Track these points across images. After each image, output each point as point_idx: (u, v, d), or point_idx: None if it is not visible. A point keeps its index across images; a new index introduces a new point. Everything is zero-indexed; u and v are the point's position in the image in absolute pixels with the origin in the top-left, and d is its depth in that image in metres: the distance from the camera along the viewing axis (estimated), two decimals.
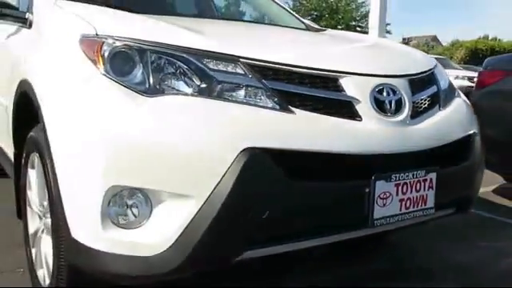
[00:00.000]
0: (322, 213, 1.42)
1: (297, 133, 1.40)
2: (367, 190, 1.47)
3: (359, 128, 1.50)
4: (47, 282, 1.76)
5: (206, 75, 1.42)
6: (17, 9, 2.22)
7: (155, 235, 1.33)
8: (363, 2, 28.31)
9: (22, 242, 2.49)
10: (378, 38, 2.38)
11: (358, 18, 28.51)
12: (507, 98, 3.22)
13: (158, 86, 1.39)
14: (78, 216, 1.40)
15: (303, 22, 3.00)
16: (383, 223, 1.51)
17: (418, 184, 1.57)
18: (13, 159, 2.22)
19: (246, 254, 1.37)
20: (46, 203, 1.79)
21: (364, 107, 1.53)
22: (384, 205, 1.50)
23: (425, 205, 1.61)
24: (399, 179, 1.52)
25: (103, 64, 1.41)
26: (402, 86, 1.66)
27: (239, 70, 1.44)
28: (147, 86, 1.38)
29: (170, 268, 1.34)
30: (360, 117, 1.52)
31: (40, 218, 1.90)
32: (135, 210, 1.36)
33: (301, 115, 1.43)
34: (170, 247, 1.32)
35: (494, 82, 3.31)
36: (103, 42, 1.44)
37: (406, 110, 1.63)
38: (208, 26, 2.03)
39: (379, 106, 1.56)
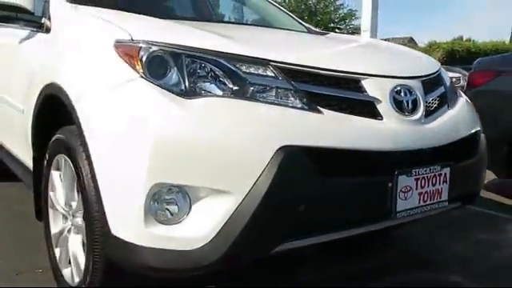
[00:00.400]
0: (350, 206, 1.52)
1: (326, 132, 1.49)
2: (390, 185, 1.57)
3: (381, 126, 1.60)
4: (76, 280, 1.81)
5: (239, 78, 1.50)
6: (32, 13, 2.26)
7: (196, 230, 1.40)
8: (341, 5, 28.76)
9: (35, 243, 2.54)
10: (387, 42, 2.49)
11: (336, 20, 28.87)
12: (498, 98, 3.38)
13: (194, 89, 1.46)
14: (120, 214, 1.46)
15: (304, 25, 3.10)
16: (404, 215, 1.62)
17: (434, 178, 1.68)
18: (31, 162, 2.25)
19: (281, 246, 1.46)
20: (74, 203, 1.85)
21: (384, 107, 1.63)
22: (405, 198, 1.60)
23: (440, 198, 1.72)
24: (418, 174, 1.63)
25: (142, 68, 1.47)
26: (416, 86, 1.77)
27: (270, 73, 1.53)
28: (184, 88, 1.45)
29: (211, 261, 1.41)
30: (381, 116, 1.62)
31: (65, 218, 1.95)
32: (175, 207, 1.42)
33: (328, 115, 1.52)
34: (211, 241, 1.39)
35: (485, 83, 3.47)
36: (140, 47, 1.51)
37: (421, 110, 1.73)
38: (233, 30, 2.11)
39: (397, 105, 1.66)
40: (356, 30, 24.82)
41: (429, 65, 2.03)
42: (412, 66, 1.95)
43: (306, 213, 1.43)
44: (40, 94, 1.96)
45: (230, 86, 1.48)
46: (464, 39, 35.37)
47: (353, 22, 27.74)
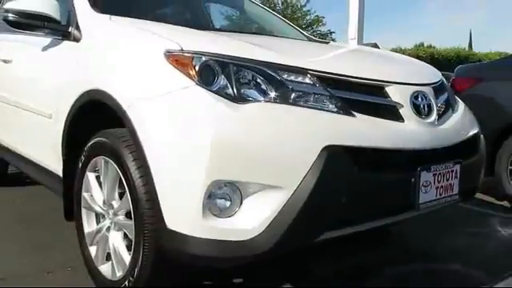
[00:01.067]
0: (382, 199, 1.71)
1: (360, 133, 1.67)
2: (413, 180, 1.77)
3: (403, 128, 1.80)
4: (118, 274, 1.92)
5: (282, 85, 1.66)
6: (59, 22, 2.36)
7: (249, 222, 1.56)
8: (308, 11, 29.24)
9: (48, 243, 2.63)
10: (393, 52, 2.70)
11: (304, 26, 29.37)
12: (478, 103, 3.65)
13: (242, 95, 1.62)
14: (178, 210, 1.59)
15: (303, 33, 3.30)
16: (425, 207, 1.82)
17: (448, 174, 1.90)
18: (56, 165, 2.35)
19: (324, 236, 1.63)
20: (115, 202, 1.96)
21: (405, 111, 1.83)
22: (426, 192, 1.81)
23: (452, 191, 1.93)
24: (436, 170, 1.84)
25: (196, 76, 1.62)
26: (429, 92, 1.98)
27: (308, 81, 1.70)
28: (233, 94, 1.61)
29: (263, 250, 1.56)
30: (403, 118, 1.82)
31: (103, 216, 2.06)
32: (229, 201, 1.57)
33: (360, 118, 1.71)
34: (263, 232, 1.55)
35: (467, 88, 3.75)
36: (193, 57, 1.65)
37: (435, 113, 1.95)
38: (267, 41, 2.28)
39: (416, 109, 1.87)
40: (323, 36, 25.33)
41: (435, 73, 2.25)
42: (423, 74, 2.16)
43: (346, 205, 1.61)
44: (78, 100, 2.06)
45: (274, 92, 1.65)
46: (425, 45, 36.62)
47: (320, 28, 28.26)
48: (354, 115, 1.70)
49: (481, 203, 3.67)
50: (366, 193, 1.65)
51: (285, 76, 1.68)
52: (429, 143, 1.85)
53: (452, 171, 1.92)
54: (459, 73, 3.97)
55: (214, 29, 2.43)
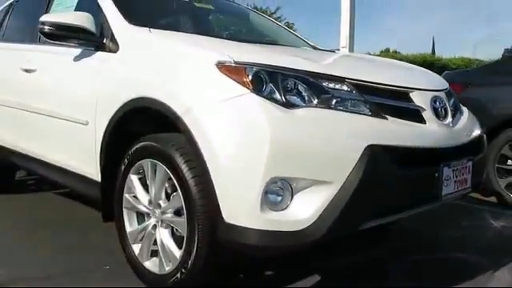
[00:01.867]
0: (414, 191, 1.94)
1: (393, 133, 1.89)
2: (437, 175, 2.00)
3: (426, 129, 2.04)
4: (167, 268, 2.07)
5: (324, 92, 1.87)
6: (94, 34, 2.49)
7: (301, 213, 1.75)
8: (279, 18, 29.63)
9: (84, 244, 2.75)
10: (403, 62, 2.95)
11: None
12: (466, 107, 3.96)
13: (290, 101, 1.81)
14: (237, 205, 1.77)
15: (308, 43, 3.52)
16: (445, 199, 2.06)
17: (463, 169, 2.14)
18: (91, 170, 2.47)
19: (367, 224, 1.84)
20: (162, 202, 2.11)
21: (427, 114, 2.07)
22: (447, 185, 2.04)
23: (466, 185, 2.18)
24: (454, 166, 2.08)
25: (251, 84, 1.80)
26: (444, 97, 2.23)
27: (346, 88, 1.91)
28: (283, 100, 1.80)
29: (313, 239, 1.75)
30: (425, 121, 2.05)
31: (147, 215, 2.20)
32: (281, 196, 1.76)
33: (391, 120, 1.93)
34: (314, 222, 1.74)
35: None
36: (245, 68, 1.84)
37: (449, 115, 2.19)
38: (300, 53, 2.48)
39: (435, 112, 2.11)
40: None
41: (443, 80, 2.51)
42: (437, 80, 2.41)
43: (385, 197, 1.82)
44: (122, 107, 2.20)
45: (318, 98, 1.85)
46: (391, 51, 37.58)
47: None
48: (386, 118, 1.92)
49: (469, 200, 3.97)
50: (400, 186, 1.87)
51: (325, 84, 1.89)
52: (447, 142, 2.09)
53: (466, 167, 2.16)
54: (447, 79, 4.25)
55: (237, 39, 2.61)
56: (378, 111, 1.92)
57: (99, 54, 2.50)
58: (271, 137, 1.71)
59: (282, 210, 1.77)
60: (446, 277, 2.41)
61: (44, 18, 2.52)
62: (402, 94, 2.05)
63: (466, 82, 4.07)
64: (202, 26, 3.17)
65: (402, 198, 1.91)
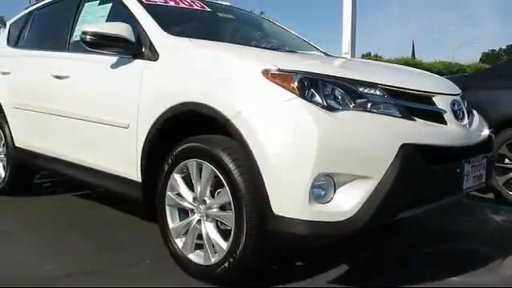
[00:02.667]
0: (440, 185, 2.16)
1: (422, 133, 2.12)
2: (459, 170, 2.23)
3: (448, 129, 2.26)
4: (213, 259, 2.24)
5: (360, 96, 2.08)
6: (133, 43, 2.66)
7: (345, 205, 1.95)
8: None
9: (120, 242, 2.90)
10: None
11: None
12: None
13: (330, 105, 2.01)
14: (286, 199, 1.96)
15: (320, 49, 3.73)
16: (465, 192, 2.29)
17: (479, 165, 2.38)
18: (130, 171, 2.63)
19: (402, 215, 2.05)
20: (207, 198, 2.29)
21: (448, 115, 2.29)
22: (467, 180, 2.28)
23: (481, 180, 2.42)
24: (472, 162, 2.31)
25: (297, 90, 2.00)
26: (460, 100, 2.46)
27: (378, 92, 2.12)
28: (325, 104, 2.00)
29: (355, 228, 1.96)
30: (446, 122, 2.28)
31: (191, 211, 2.38)
32: (325, 189, 1.96)
33: (419, 121, 2.15)
34: (356, 213, 1.94)
35: None
36: (291, 75, 2.04)
37: (466, 117, 2.43)
38: (332, 61, 2.68)
39: (454, 114, 2.34)
40: None
41: (456, 85, 2.74)
42: (452, 85, 2.65)
43: (417, 190, 2.04)
44: (167, 111, 2.37)
45: (355, 102, 2.06)
46: (372, 55, 38.19)
47: None
48: (414, 119, 2.14)
49: (468, 197, 4.22)
50: (429, 180, 2.09)
51: (361, 89, 2.10)
52: (465, 141, 2.33)
53: (482, 164, 2.40)
54: None
55: (262, 47, 2.81)
56: (407, 113, 2.13)
57: (138, 61, 2.66)
58: (319, 137, 1.91)
59: (327, 202, 1.97)
60: (459, 265, 2.63)
61: (86, 28, 2.68)
62: (426, 98, 2.28)
63: (464, 85, 4.32)
64: (227, 34, 3.36)
65: (430, 190, 2.13)
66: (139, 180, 2.63)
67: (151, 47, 2.63)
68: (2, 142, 4.04)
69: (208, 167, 2.24)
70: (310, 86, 2.04)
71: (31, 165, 3.74)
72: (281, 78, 2.05)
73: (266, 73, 2.08)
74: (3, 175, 4.03)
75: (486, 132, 2.64)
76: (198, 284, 2.29)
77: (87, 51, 2.89)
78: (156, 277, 2.42)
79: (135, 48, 2.67)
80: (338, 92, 2.06)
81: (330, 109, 1.99)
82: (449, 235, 3.22)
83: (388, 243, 3.05)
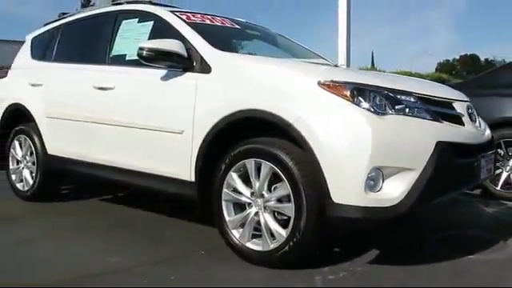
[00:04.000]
0: (464, 175, 2.61)
1: (450, 133, 2.56)
2: (476, 164, 2.68)
3: (466, 130, 2.72)
4: (272, 246, 2.58)
5: (400, 102, 2.49)
6: (186, 58, 2.99)
7: (393, 193, 2.35)
8: None
9: (167, 238, 3.20)
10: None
11: None
12: None
13: (378, 110, 2.42)
14: (345, 189, 2.34)
15: (329, 61, 4.15)
16: (480, 181, 2.75)
17: (490, 160, 2.86)
18: (188, 172, 2.93)
19: (436, 200, 2.47)
20: (265, 192, 2.64)
21: (465, 118, 2.75)
22: (482, 172, 2.73)
23: (490, 173, 2.89)
24: (486, 157, 2.77)
25: (350, 98, 2.40)
26: (472, 105, 2.92)
27: (413, 99, 2.54)
28: (373, 110, 2.40)
29: (401, 212, 2.36)
30: (464, 124, 2.73)
31: (248, 205, 2.71)
32: (376, 180, 2.35)
33: (445, 123, 2.59)
34: (402, 200, 2.35)
35: None
36: (344, 85, 2.43)
37: (477, 119, 2.89)
38: (370, 73, 3.09)
39: (469, 117, 2.79)
40: None
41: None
42: (463, 94, 3.11)
43: (449, 179, 2.47)
44: (225, 117, 2.71)
45: (396, 107, 2.47)
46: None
47: None
48: (442, 121, 2.57)
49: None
50: (458, 171, 2.54)
51: (399, 96, 2.51)
52: (479, 140, 2.80)
53: (491, 159, 2.88)
54: None
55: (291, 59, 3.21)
56: (436, 116, 2.57)
57: (190, 74, 2.99)
58: (372, 136, 2.31)
59: (378, 191, 2.36)
60: (468, 247, 3.05)
61: (143, 44, 2.99)
62: (449, 104, 2.73)
63: None
64: (258, 48, 3.74)
65: (458, 180, 2.58)
66: (192, 180, 2.94)
67: (202, 61, 2.96)
68: (30, 150, 4.24)
69: (267, 165, 2.59)
70: (359, 94, 2.43)
71: (65, 171, 3.97)
72: (335, 87, 2.44)
73: (320, 84, 2.47)
74: (31, 182, 4.22)
75: (489, 132, 3.11)
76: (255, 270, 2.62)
77: (130, 64, 3.22)
78: (215, 264, 2.72)
79: (186, 62, 3.00)
80: (382, 99, 2.47)
81: (377, 113, 2.40)
82: (452, 225, 3.67)
83: (399, 234, 3.46)
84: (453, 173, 2.50)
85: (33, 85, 4.16)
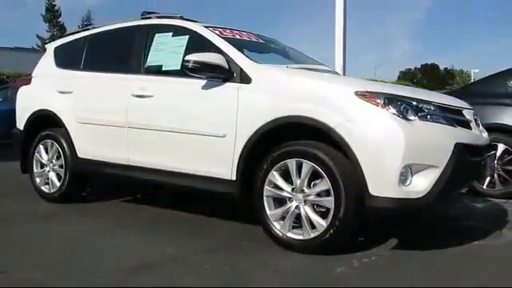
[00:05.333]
0: (475, 172, 3.09)
1: (463, 135, 3.03)
2: (483, 162, 3.16)
3: (473, 133, 3.20)
4: (312, 234, 2.96)
5: (423, 110, 2.94)
6: (227, 70, 3.35)
7: (420, 187, 2.79)
8: None
9: (207, 230, 3.54)
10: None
11: None
12: None
13: (406, 116, 2.85)
14: (381, 183, 2.76)
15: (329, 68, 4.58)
16: (485, 177, 3.23)
17: (491, 159, 3.35)
18: (229, 172, 3.29)
19: (453, 192, 2.93)
20: (305, 188, 3.02)
21: (472, 124, 3.23)
22: (487, 169, 3.21)
23: (492, 170, 3.39)
24: (489, 156, 3.25)
25: (383, 106, 2.82)
26: (475, 113, 3.41)
27: (432, 108, 3.00)
28: (402, 116, 2.84)
29: (426, 203, 2.81)
30: (471, 128, 3.21)
31: (289, 199, 3.09)
32: (406, 176, 2.78)
33: (458, 128, 3.05)
34: (428, 193, 2.79)
35: None
36: (378, 95, 2.85)
37: (480, 125, 3.38)
38: (394, 85, 3.53)
39: (475, 122, 3.28)
40: None
41: None
42: (467, 103, 3.59)
43: (464, 175, 2.94)
44: (269, 122, 3.08)
45: (418, 114, 2.91)
46: None
47: None
48: (456, 126, 3.04)
49: None
50: (470, 168, 3.02)
51: (421, 105, 2.96)
52: (483, 142, 3.28)
53: (492, 158, 3.38)
54: None
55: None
56: (452, 122, 3.03)
57: (230, 84, 3.35)
58: (404, 138, 2.75)
59: (408, 185, 2.79)
60: (473, 235, 3.53)
61: (188, 57, 3.34)
62: (459, 111, 3.21)
63: None
64: (281, 59, 4.13)
65: (470, 175, 3.05)
66: (233, 178, 3.29)
67: (242, 72, 3.33)
68: (57, 154, 4.47)
69: (308, 164, 2.98)
70: (389, 102, 2.87)
71: (96, 173, 4.24)
72: (369, 96, 2.87)
73: (357, 93, 2.88)
74: (58, 184, 4.45)
75: (487, 135, 3.61)
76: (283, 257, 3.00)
77: (166, 74, 3.57)
78: (261, 252, 3.08)
79: (227, 73, 3.36)
80: (408, 107, 2.91)
81: (406, 118, 2.84)
82: (452, 218, 4.14)
83: (408, 226, 3.90)
84: (467, 169, 2.97)
85: (61, 92, 4.41)
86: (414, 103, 2.94)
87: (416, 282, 2.64)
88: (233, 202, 3.42)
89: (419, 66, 71.43)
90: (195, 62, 3.32)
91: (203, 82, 3.46)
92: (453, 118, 3.08)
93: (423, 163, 2.80)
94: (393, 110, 2.84)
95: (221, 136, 3.33)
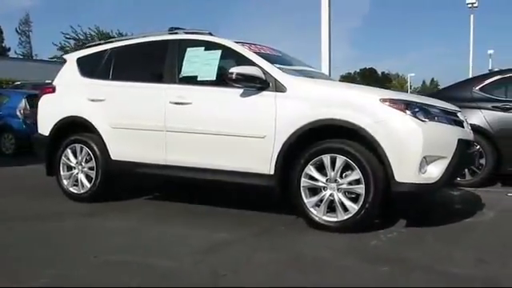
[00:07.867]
0: (469, 161, 3.86)
1: (461, 133, 3.79)
2: (475, 153, 3.94)
3: (466, 131, 3.96)
4: (346, 216, 3.61)
5: (431, 113, 3.66)
6: (265, 80, 3.93)
7: (434, 174, 3.50)
8: None
9: (244, 219, 4.10)
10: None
11: None
12: None
13: (420, 118, 3.56)
14: (405, 171, 3.45)
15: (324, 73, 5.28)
16: (476, 165, 4.02)
17: (478, 152, 4.12)
18: (267, 168, 3.86)
19: (456, 178, 3.68)
20: (339, 178, 3.65)
21: (464, 123, 4.00)
22: (477, 159, 4.00)
23: (478, 160, 4.17)
24: (477, 149, 4.04)
25: (405, 110, 3.51)
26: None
27: (438, 111, 3.73)
28: (419, 118, 3.54)
29: (437, 187, 3.56)
30: (464, 127, 3.98)
31: (324, 188, 3.70)
32: (423, 165, 3.49)
33: (456, 127, 3.81)
34: (439, 178, 3.51)
35: None
36: (399, 101, 3.54)
37: (468, 124, 4.16)
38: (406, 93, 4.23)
39: (466, 122, 4.05)
40: None
41: None
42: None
43: (464, 164, 3.71)
44: (306, 125, 3.69)
45: (430, 116, 3.62)
46: None
47: None
48: (455, 126, 3.79)
49: None
50: (468, 158, 3.78)
51: (429, 109, 3.68)
52: (472, 138, 4.07)
53: (480, 151, 4.16)
54: None
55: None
56: (452, 122, 3.78)
57: (267, 92, 3.92)
58: (423, 135, 3.45)
59: (424, 173, 3.50)
60: (469, 211, 4.30)
61: (232, 69, 3.89)
62: (455, 114, 3.97)
63: None
64: (298, 69, 4.74)
65: (467, 163, 3.84)
66: (271, 173, 3.87)
67: (277, 82, 3.92)
68: (86, 157, 4.83)
69: (341, 158, 3.61)
70: (407, 107, 3.57)
71: (131, 173, 4.65)
72: (392, 102, 3.56)
73: (381, 100, 3.56)
74: (89, 185, 4.81)
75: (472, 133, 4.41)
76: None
77: (201, 84, 4.12)
78: (300, 234, 3.67)
79: (264, 83, 3.93)
80: (421, 110, 3.62)
81: (421, 119, 3.54)
82: (441, 203, 4.89)
83: (407, 211, 4.62)
84: (465, 159, 3.74)
85: (92, 100, 4.79)
86: (425, 107, 3.66)
87: (437, 246, 3.34)
88: (257, 197, 3.95)
89: (358, 71, 74.44)
90: (238, 73, 3.87)
91: (240, 90, 4.01)
92: (452, 119, 3.83)
93: (435, 155, 3.52)
94: (410, 113, 3.54)
95: (261, 137, 3.90)
